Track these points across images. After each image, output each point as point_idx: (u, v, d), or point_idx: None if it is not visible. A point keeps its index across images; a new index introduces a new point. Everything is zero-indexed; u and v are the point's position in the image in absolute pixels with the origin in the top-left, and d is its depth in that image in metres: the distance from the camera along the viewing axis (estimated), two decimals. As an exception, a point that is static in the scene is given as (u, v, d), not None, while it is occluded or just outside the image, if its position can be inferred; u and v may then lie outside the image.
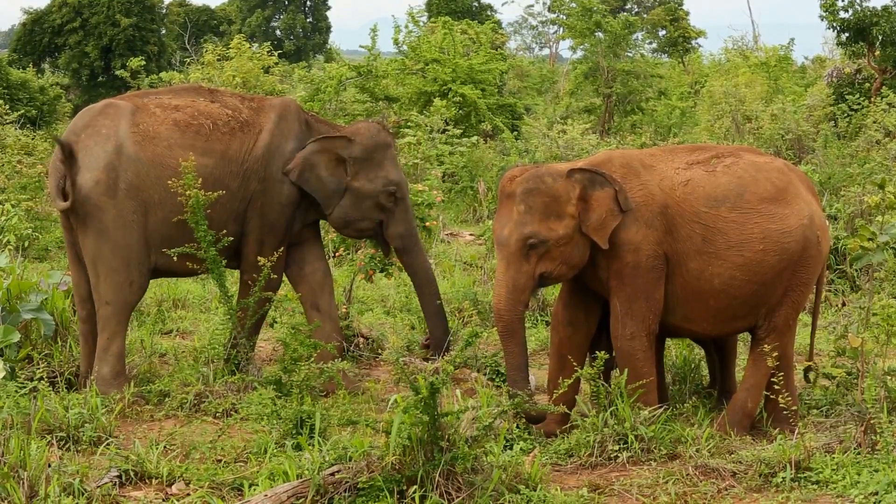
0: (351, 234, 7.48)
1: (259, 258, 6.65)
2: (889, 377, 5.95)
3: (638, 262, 5.95)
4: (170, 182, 6.50)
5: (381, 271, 7.83)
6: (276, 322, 7.37)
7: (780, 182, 6.12)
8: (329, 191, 6.99)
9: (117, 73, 22.04)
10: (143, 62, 23.36)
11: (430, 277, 7.32)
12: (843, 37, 18.98)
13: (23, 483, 4.69)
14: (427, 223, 9.50)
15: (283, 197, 6.93)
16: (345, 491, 4.82)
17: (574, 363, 6.01)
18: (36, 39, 33.87)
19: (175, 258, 6.56)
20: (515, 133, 18.57)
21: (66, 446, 5.58)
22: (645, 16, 39.51)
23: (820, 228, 6.17)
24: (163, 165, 6.58)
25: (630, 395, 5.79)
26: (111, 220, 6.49)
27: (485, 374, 7.18)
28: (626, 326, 5.99)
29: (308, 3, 48.84)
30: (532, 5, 55.57)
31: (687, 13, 39.79)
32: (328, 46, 46.51)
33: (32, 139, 15.80)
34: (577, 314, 6.22)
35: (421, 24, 20.71)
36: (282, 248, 6.90)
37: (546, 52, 53.07)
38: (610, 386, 6.00)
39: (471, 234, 13.36)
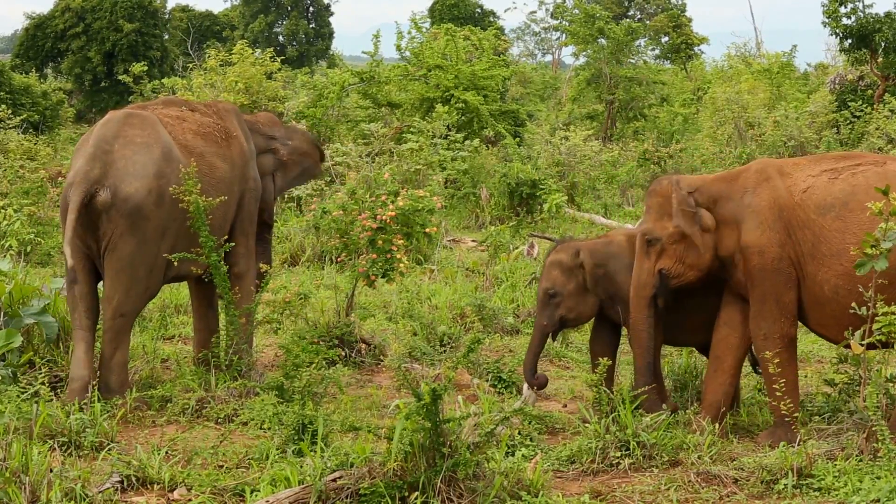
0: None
1: (256, 261, 7.05)
2: (891, 384, 5.94)
3: (763, 265, 6.05)
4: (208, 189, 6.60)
5: (383, 277, 7.82)
6: (278, 329, 7.38)
7: None
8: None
9: (120, 78, 22.02)
10: (146, 67, 23.37)
11: None
12: (846, 43, 18.99)
13: (24, 488, 4.69)
14: (427, 229, 9.50)
15: (257, 192, 7.24)
16: (346, 497, 4.82)
17: (731, 365, 6.22)
18: (39, 44, 33.93)
19: (177, 262, 6.56)
20: (518, 139, 18.57)
21: (68, 451, 5.57)
22: (648, 22, 39.54)
23: None
24: (200, 173, 6.57)
25: (771, 395, 5.99)
26: (152, 230, 6.40)
27: (487, 381, 7.18)
28: (759, 327, 6.10)
29: (311, 8, 48.91)
30: (535, 12, 55.76)
31: (690, 20, 39.89)
32: (331, 52, 46.61)
33: (35, 144, 15.85)
34: (734, 315, 6.29)
35: (424, 30, 20.72)
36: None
37: (549, 58, 53.25)
38: (612, 392, 6.00)
39: (473, 241, 13.36)
